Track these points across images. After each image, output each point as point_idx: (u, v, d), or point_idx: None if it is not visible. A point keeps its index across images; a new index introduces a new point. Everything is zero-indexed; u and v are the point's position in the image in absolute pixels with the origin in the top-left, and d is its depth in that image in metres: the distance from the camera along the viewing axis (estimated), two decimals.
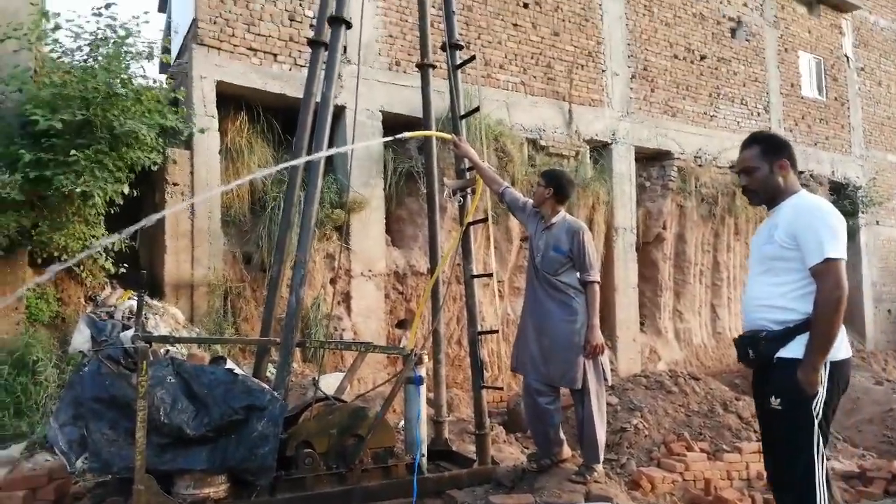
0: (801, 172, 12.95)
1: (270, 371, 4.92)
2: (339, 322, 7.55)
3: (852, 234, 13.98)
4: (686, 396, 7.17)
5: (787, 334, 2.59)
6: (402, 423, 4.63)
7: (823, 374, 2.53)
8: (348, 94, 7.66)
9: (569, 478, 3.87)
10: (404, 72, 8.31)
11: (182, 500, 3.47)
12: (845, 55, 14.47)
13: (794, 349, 2.56)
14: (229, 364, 4.07)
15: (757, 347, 2.66)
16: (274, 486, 3.67)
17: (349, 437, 3.94)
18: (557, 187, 4.23)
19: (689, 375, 7.70)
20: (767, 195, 2.80)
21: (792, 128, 13.08)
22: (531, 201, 4.45)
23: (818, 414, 2.54)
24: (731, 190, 11.57)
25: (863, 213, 13.85)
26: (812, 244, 2.57)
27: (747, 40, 12.54)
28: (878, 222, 14.40)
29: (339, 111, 7.79)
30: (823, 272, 2.54)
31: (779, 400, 2.58)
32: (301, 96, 4.34)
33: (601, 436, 4.01)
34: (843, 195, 13.77)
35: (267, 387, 3.76)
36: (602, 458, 4.03)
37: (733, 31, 12.43)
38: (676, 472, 5.85)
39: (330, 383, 5.24)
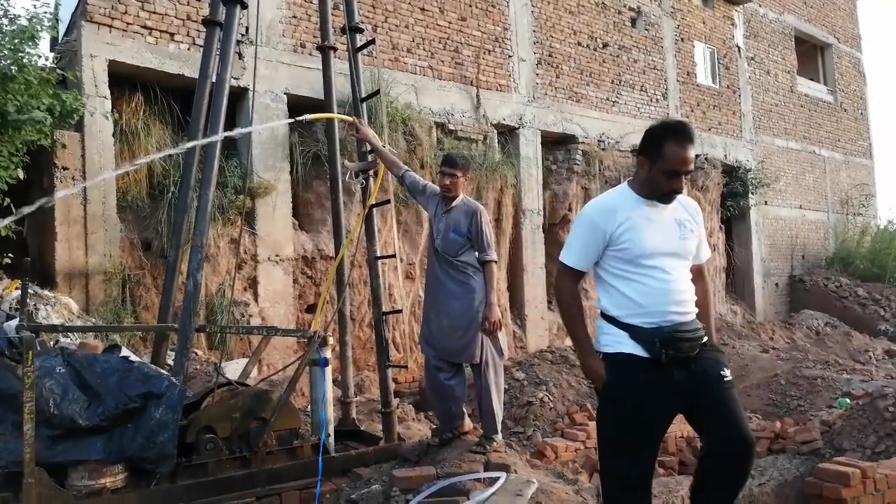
0: (697, 156, 13.69)
1: (172, 359, 4.81)
2: (247, 308, 7.43)
3: (743, 214, 14.91)
4: None
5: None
6: (309, 406, 4.66)
7: None
8: (251, 76, 7.49)
9: (470, 449, 4.02)
10: (310, 54, 8.20)
11: (77, 492, 3.37)
12: (737, 45, 15.31)
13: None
14: (125, 352, 3.97)
15: (703, 339, 2.70)
16: (174, 474, 3.63)
17: (253, 421, 3.93)
18: (468, 171, 4.40)
19: None
20: None
21: (688, 114, 13.75)
22: (431, 184, 4.54)
23: None
24: (632, 172, 12.06)
25: (752, 193, 14.75)
26: (705, 243, 2.93)
27: (647, 30, 13.07)
28: (766, 202, 15.38)
29: (242, 93, 7.62)
30: (704, 268, 2.96)
31: (728, 370, 2.74)
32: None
33: (499, 408, 4.17)
34: (734, 177, 14.63)
35: (165, 373, 3.70)
36: (500, 428, 4.19)
37: (633, 21, 12.93)
38: (579, 440, 6.13)
39: (237, 369, 5.19)
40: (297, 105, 7.96)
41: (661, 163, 2.65)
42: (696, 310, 2.76)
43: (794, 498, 5.21)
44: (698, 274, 2.90)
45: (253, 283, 7.70)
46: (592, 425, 6.37)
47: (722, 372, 2.69)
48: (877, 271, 15.97)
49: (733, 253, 14.92)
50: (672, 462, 6.27)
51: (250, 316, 7.47)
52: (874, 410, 6.50)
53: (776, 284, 15.55)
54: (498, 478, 3.34)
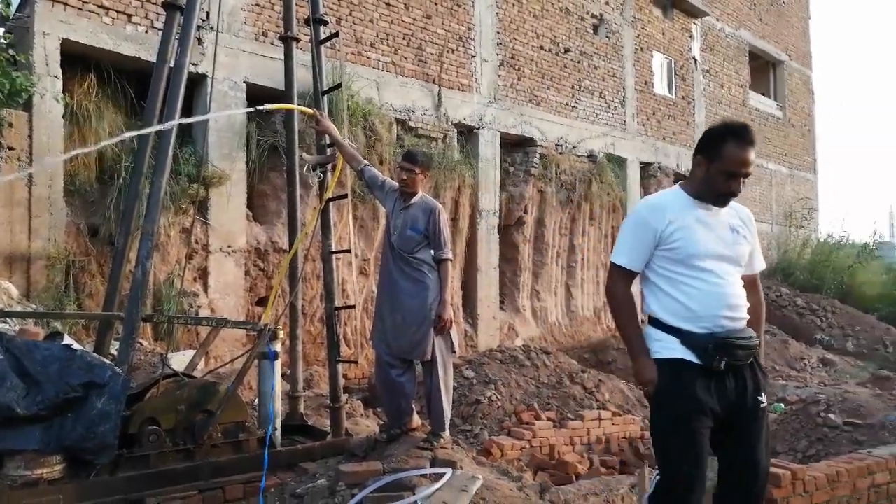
0: (651, 164, 14.01)
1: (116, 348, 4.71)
2: (195, 299, 7.31)
3: None
4: (537, 370, 7.62)
5: None
6: (256, 399, 4.62)
7: None
8: (210, 63, 7.35)
9: (417, 445, 4.05)
10: (271, 43, 8.10)
11: (12, 482, 3.29)
12: (693, 57, 15.71)
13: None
14: (67, 340, 3.87)
15: (754, 350, 2.64)
16: (115, 465, 3.57)
17: (198, 413, 3.89)
18: (428, 169, 4.42)
19: (540, 350, 8.19)
20: None
21: (644, 122, 14.05)
22: (389, 180, 4.57)
23: None
24: (588, 177, 12.29)
25: None
26: (759, 253, 2.84)
27: (608, 37, 13.30)
28: None
29: (201, 80, 7.48)
30: (758, 279, 2.88)
31: (765, 396, 2.65)
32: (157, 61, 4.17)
33: (447, 405, 4.22)
34: None
35: (109, 363, 3.62)
36: (448, 426, 4.24)
37: (595, 28, 13.14)
38: (525, 439, 6.24)
39: (183, 361, 5.11)
40: (256, 94, 7.85)
41: (719, 163, 2.58)
42: (749, 317, 2.67)
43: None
44: (752, 285, 2.80)
45: (203, 274, 7.58)
46: (539, 424, 6.50)
47: (759, 397, 2.61)
48: (815, 282, 16.59)
49: None
50: (613, 462, 6.42)
51: (199, 307, 7.35)
52: (807, 416, 6.78)
53: None
54: (444, 474, 3.38)
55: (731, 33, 17.19)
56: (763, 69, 18.89)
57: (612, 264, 2.74)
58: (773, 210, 18.00)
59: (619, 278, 2.73)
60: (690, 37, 15.68)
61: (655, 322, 2.67)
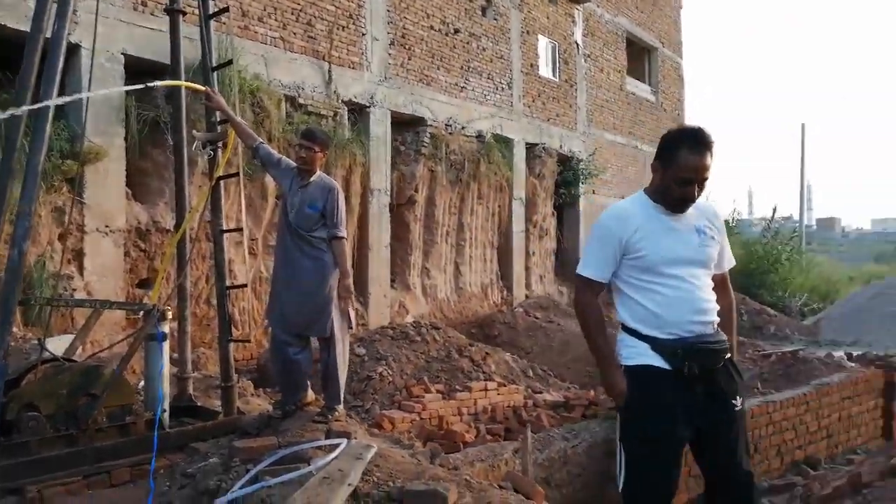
0: (536, 145, 14.55)
1: None
2: (70, 282, 6.95)
3: (574, 202, 16.08)
4: (427, 345, 7.87)
5: None
6: (143, 382, 4.54)
7: None
8: (84, 31, 6.95)
9: (312, 419, 4.15)
10: (152, 13, 7.73)
11: None
12: (576, 42, 16.37)
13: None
14: None
15: (727, 352, 2.61)
16: None
17: (82, 398, 3.80)
18: (327, 148, 4.47)
19: (430, 326, 8.46)
20: None
21: (530, 104, 14.55)
22: (285, 158, 4.59)
23: None
24: (477, 157, 12.63)
25: (583, 183, 15.94)
26: (729, 250, 2.82)
27: (495, 19, 13.61)
28: (594, 192, 16.68)
29: (74, 49, 7.04)
30: (728, 277, 2.85)
31: (741, 399, 2.62)
32: (25, 29, 3.93)
33: (343, 379, 4.35)
34: (568, 167, 15.73)
35: None
36: (342, 398, 4.37)
37: (483, 10, 13.40)
38: (415, 412, 6.48)
39: (58, 346, 4.90)
40: (135, 67, 7.49)
41: (673, 169, 2.54)
42: (719, 320, 2.64)
43: (602, 456, 5.89)
44: (721, 284, 2.77)
45: (79, 255, 7.20)
46: (428, 397, 6.75)
47: (734, 400, 2.58)
48: None
49: (563, 237, 16.08)
50: (499, 429, 6.79)
51: (74, 290, 7.00)
52: None
53: None
54: (339, 444, 3.51)
55: (610, 20, 18.02)
56: (639, 55, 19.97)
57: (579, 276, 2.71)
58: None
59: (586, 289, 2.70)
60: (573, 22, 16.31)
61: (627, 330, 2.65)
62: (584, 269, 2.70)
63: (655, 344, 2.55)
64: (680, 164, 2.53)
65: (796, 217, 38.51)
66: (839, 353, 11.76)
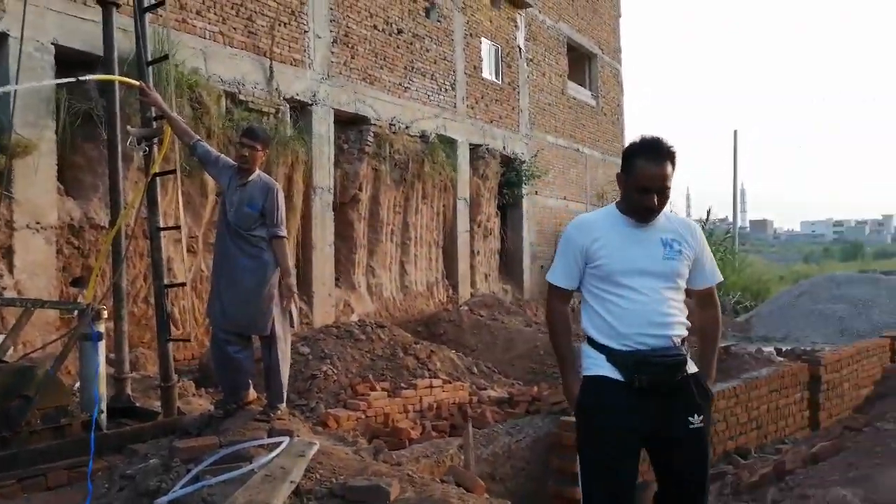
0: (479, 146, 14.70)
1: None
2: None
3: (517, 202, 16.31)
4: (372, 343, 7.87)
5: (687, 350, 2.64)
6: (78, 384, 4.41)
7: None
8: (13, 20, 6.67)
9: (254, 418, 4.11)
10: (84, 3, 7.48)
11: None
12: (518, 46, 16.61)
13: (691, 364, 2.63)
14: None
15: (683, 367, 2.56)
16: None
17: (13, 399, 3.67)
18: (268, 146, 4.42)
19: (375, 324, 8.45)
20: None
21: (473, 105, 14.69)
22: (223, 156, 4.52)
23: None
24: (421, 157, 12.68)
25: (526, 184, 16.19)
26: (710, 266, 2.74)
27: (439, 21, 13.68)
28: (536, 193, 16.96)
29: (2, 38, 6.76)
30: (714, 293, 2.76)
31: (700, 417, 2.57)
32: None
33: (285, 378, 4.32)
34: (511, 168, 15.94)
35: None
36: (285, 397, 4.34)
37: (427, 11, 13.46)
38: (360, 410, 6.46)
39: None
40: (67, 58, 7.24)
41: (632, 178, 2.56)
42: (682, 335, 2.60)
43: (545, 450, 6.00)
44: (704, 299, 2.77)
45: (8, 253, 6.91)
46: (374, 395, 6.74)
47: (690, 417, 2.54)
48: None
49: (507, 237, 16.29)
50: (444, 426, 6.84)
51: (4, 289, 6.72)
52: None
53: (541, 267, 17.23)
54: (281, 442, 3.49)
55: (552, 25, 18.35)
56: (580, 61, 20.40)
57: (548, 283, 2.77)
58: (587, 191, 19.60)
59: (553, 296, 2.76)
60: (516, 26, 16.55)
61: (588, 339, 2.66)
62: (550, 276, 2.75)
63: (610, 354, 2.56)
64: (637, 174, 2.55)
65: (732, 219, 40.04)
66: (769, 349, 12.32)
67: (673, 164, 2.56)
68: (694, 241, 2.67)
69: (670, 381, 2.52)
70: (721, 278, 2.79)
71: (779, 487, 4.14)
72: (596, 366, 2.59)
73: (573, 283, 2.70)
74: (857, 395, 8.22)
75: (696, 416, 2.55)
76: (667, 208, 2.66)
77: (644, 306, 2.54)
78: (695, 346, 2.78)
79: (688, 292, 2.72)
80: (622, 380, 2.52)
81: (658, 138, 2.60)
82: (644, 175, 2.54)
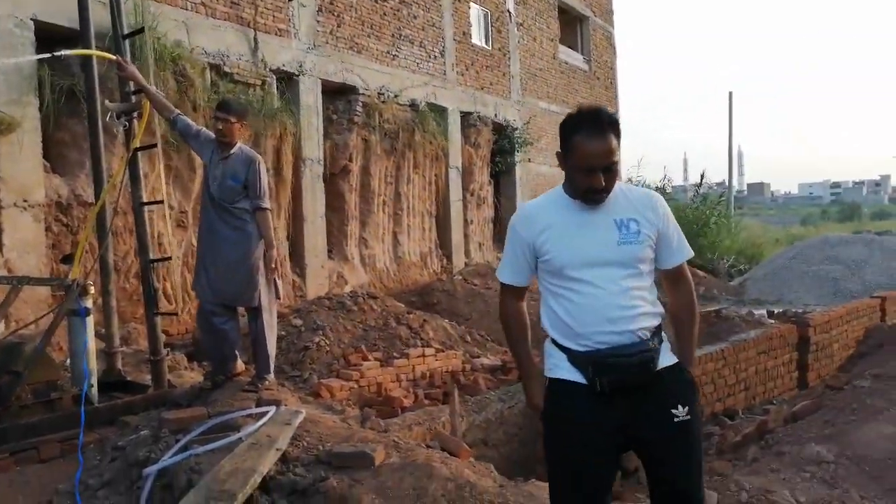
0: (470, 113, 14.60)
1: None
2: None
3: (510, 170, 16.26)
4: (364, 314, 7.92)
5: (661, 341, 2.37)
6: (69, 359, 4.46)
7: None
8: None
9: (242, 389, 4.18)
10: None
11: None
12: (508, 10, 16.39)
13: (667, 354, 2.37)
14: None
15: (651, 364, 2.29)
16: None
17: (4, 375, 3.72)
18: (244, 118, 4.41)
19: (368, 295, 8.49)
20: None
21: (463, 72, 14.55)
22: (205, 130, 4.51)
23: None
24: (411, 126, 12.60)
25: (518, 151, 16.13)
26: (678, 240, 2.42)
27: None
28: (530, 160, 16.91)
29: None
30: (685, 270, 2.47)
31: (686, 409, 2.30)
32: None
33: (272, 349, 4.38)
34: (503, 135, 15.87)
35: None
36: (273, 367, 4.40)
37: None
38: (353, 380, 6.54)
39: None
40: (47, 34, 7.14)
41: (573, 158, 2.27)
42: (650, 326, 2.30)
43: (537, 415, 6.10)
44: (675, 279, 2.46)
45: None
46: (366, 365, 6.82)
47: (674, 410, 2.28)
48: None
49: (500, 205, 16.28)
50: (437, 394, 6.93)
51: None
52: None
53: None
54: (268, 412, 3.55)
55: None
56: (571, 24, 20.15)
57: (499, 281, 2.54)
58: None
59: (505, 295, 2.52)
60: None
61: (551, 339, 2.41)
62: (499, 273, 2.52)
63: (571, 356, 2.30)
64: (578, 152, 2.25)
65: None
66: (760, 312, 12.45)
67: (617, 135, 2.27)
68: (655, 216, 2.36)
69: (639, 380, 2.26)
70: (692, 253, 2.47)
71: (759, 446, 4.22)
72: (557, 367, 2.34)
73: (523, 279, 2.45)
74: (846, 355, 8.31)
75: (680, 407, 2.29)
76: (621, 183, 2.39)
77: (599, 301, 2.26)
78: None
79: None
80: (585, 382, 2.27)
81: (597, 108, 2.33)
82: (586, 153, 2.23)
